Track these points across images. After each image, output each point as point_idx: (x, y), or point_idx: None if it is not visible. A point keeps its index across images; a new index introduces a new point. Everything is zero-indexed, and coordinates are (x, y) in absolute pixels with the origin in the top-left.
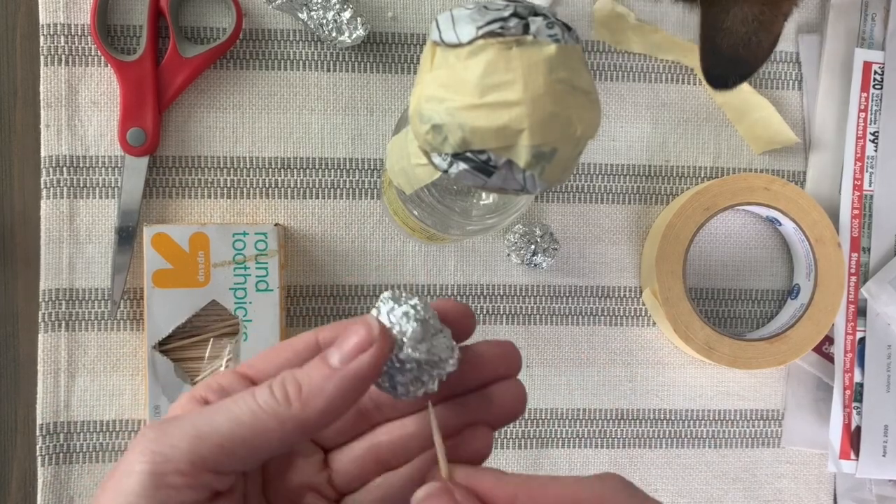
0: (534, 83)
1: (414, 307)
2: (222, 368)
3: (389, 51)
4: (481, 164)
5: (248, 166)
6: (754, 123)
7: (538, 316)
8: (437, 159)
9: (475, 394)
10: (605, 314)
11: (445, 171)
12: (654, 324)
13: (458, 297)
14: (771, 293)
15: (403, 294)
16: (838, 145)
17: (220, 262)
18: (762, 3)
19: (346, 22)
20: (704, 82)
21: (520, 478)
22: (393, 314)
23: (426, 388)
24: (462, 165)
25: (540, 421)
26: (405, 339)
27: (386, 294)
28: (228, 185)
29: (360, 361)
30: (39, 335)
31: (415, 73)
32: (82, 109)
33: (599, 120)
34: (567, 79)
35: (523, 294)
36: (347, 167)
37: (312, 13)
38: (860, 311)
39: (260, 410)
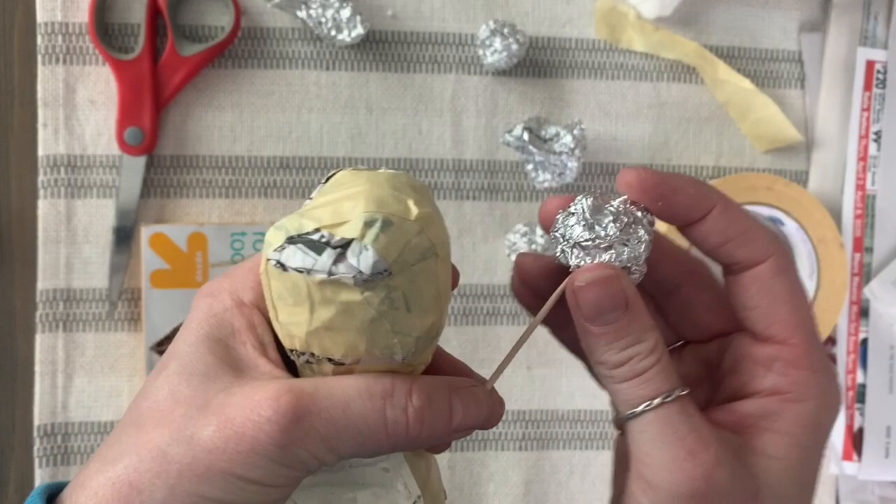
0: (376, 180)
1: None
2: None
3: (389, 49)
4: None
5: (246, 166)
6: (758, 122)
7: None
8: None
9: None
10: None
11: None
12: None
13: (459, 297)
14: None
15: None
16: (841, 145)
17: (219, 262)
18: None
19: (345, 20)
20: (707, 82)
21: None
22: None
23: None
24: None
25: (540, 422)
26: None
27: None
28: (227, 185)
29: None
30: (37, 336)
31: (415, 71)
32: (80, 108)
33: (446, 236)
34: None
35: None
36: (346, 166)
37: (311, 11)
38: (863, 312)
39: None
